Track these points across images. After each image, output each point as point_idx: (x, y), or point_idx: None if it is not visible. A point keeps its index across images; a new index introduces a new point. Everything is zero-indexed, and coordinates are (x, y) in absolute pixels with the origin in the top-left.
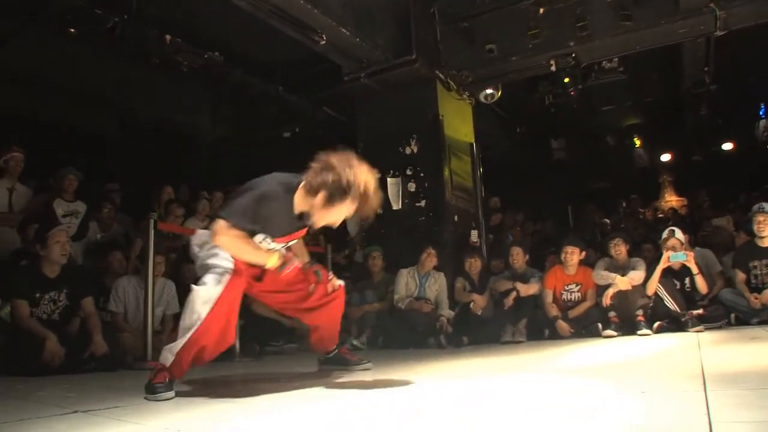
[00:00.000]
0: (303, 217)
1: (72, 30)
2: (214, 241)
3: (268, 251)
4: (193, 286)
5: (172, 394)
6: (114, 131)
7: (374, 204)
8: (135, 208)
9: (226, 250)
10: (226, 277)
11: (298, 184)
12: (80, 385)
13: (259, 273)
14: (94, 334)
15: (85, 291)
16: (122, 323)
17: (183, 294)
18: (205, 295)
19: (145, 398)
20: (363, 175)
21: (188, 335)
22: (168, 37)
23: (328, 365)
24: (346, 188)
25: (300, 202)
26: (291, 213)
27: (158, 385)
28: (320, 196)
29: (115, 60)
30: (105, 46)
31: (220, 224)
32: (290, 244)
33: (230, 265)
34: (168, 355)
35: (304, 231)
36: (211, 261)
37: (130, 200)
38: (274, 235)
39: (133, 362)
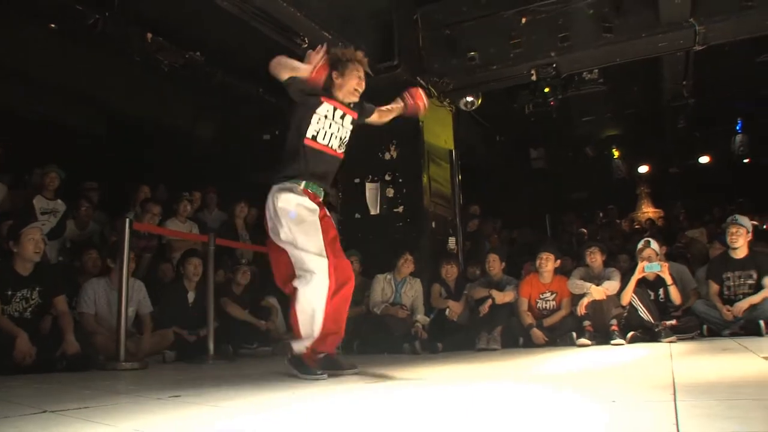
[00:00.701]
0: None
1: (53, 25)
2: (272, 70)
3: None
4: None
5: (325, 376)
6: (93, 128)
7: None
8: (112, 206)
9: (278, 68)
10: (326, 269)
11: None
12: (51, 384)
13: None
14: (66, 333)
15: (57, 289)
16: (93, 324)
17: (155, 294)
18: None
19: (301, 376)
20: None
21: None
22: (149, 35)
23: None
24: (341, 55)
25: (337, 96)
26: (334, 96)
27: (315, 368)
28: (334, 75)
29: (96, 57)
30: (86, 42)
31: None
32: (345, 115)
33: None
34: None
35: (355, 114)
36: (307, 258)
37: (108, 198)
38: (329, 97)
39: (106, 362)
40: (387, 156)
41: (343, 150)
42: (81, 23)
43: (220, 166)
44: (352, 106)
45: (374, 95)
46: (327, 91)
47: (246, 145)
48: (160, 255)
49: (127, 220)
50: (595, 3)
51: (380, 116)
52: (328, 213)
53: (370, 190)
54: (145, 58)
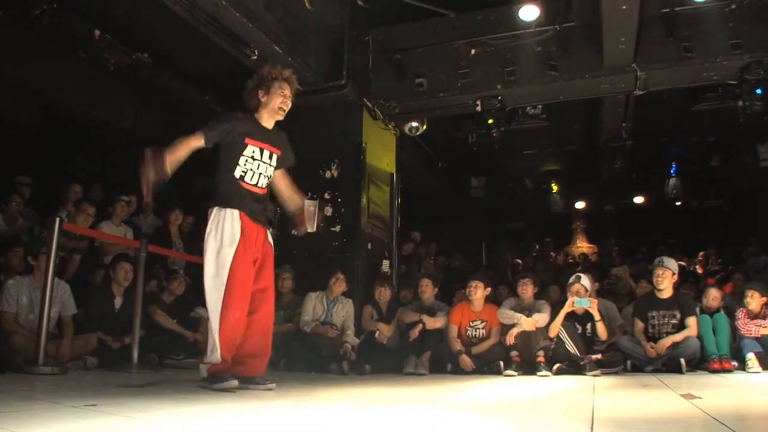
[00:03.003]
0: (274, 131)
1: None
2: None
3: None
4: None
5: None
6: (30, 121)
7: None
8: (44, 203)
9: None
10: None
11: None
12: None
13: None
14: None
15: None
16: (12, 324)
17: (83, 297)
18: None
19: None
20: (274, 67)
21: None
22: (97, 31)
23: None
24: (267, 74)
25: (260, 118)
26: (259, 124)
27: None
28: (260, 93)
29: (38, 48)
30: (30, 31)
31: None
32: (272, 154)
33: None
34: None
35: (277, 150)
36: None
37: (40, 195)
38: (253, 137)
39: (23, 365)
40: (328, 174)
41: (267, 185)
42: (27, 11)
43: None
44: (273, 141)
45: (320, 113)
46: (252, 124)
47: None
48: (91, 257)
49: (57, 219)
50: (542, 41)
51: (287, 188)
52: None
53: (309, 207)
54: (90, 54)
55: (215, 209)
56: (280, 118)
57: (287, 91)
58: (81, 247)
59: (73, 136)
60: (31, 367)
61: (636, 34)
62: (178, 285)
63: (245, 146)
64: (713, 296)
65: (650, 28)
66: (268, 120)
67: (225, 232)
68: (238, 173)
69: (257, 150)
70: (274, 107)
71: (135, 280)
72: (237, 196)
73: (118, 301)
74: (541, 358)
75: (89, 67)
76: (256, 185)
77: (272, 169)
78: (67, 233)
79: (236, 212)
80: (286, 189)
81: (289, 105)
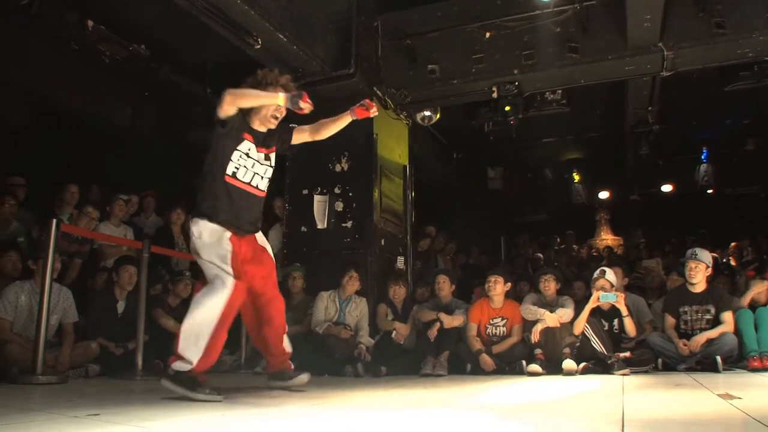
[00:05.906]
0: (267, 135)
1: None
2: (227, 102)
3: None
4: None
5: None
6: (22, 118)
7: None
8: (39, 205)
9: (240, 101)
10: (230, 283)
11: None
12: None
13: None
14: None
15: None
16: (9, 332)
17: (84, 302)
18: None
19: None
20: (271, 70)
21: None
22: (90, 22)
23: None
24: (262, 78)
25: (251, 122)
26: (251, 127)
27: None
28: (252, 99)
29: (28, 41)
30: (18, 23)
31: (228, 92)
32: (267, 155)
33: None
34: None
35: (273, 148)
36: (213, 270)
37: (36, 197)
38: (249, 134)
39: (18, 375)
40: (338, 168)
41: (265, 187)
42: (13, 1)
43: (160, 167)
44: (267, 142)
45: (328, 104)
46: (248, 124)
47: (189, 147)
48: (90, 260)
49: (54, 221)
50: (561, 22)
51: (321, 129)
52: (264, 247)
53: (319, 202)
54: (83, 47)
55: (202, 221)
56: (272, 126)
57: (283, 99)
58: (83, 252)
59: (67, 133)
60: (27, 377)
61: (662, 10)
62: (184, 287)
63: (242, 140)
64: (758, 288)
65: (678, 3)
66: (259, 126)
67: (218, 251)
68: (230, 169)
69: (253, 147)
70: (267, 115)
71: (138, 283)
72: (226, 200)
73: (120, 306)
74: (567, 355)
75: (83, 61)
76: (249, 184)
77: (270, 170)
78: (68, 237)
79: (227, 233)
80: (315, 129)
81: (284, 113)
